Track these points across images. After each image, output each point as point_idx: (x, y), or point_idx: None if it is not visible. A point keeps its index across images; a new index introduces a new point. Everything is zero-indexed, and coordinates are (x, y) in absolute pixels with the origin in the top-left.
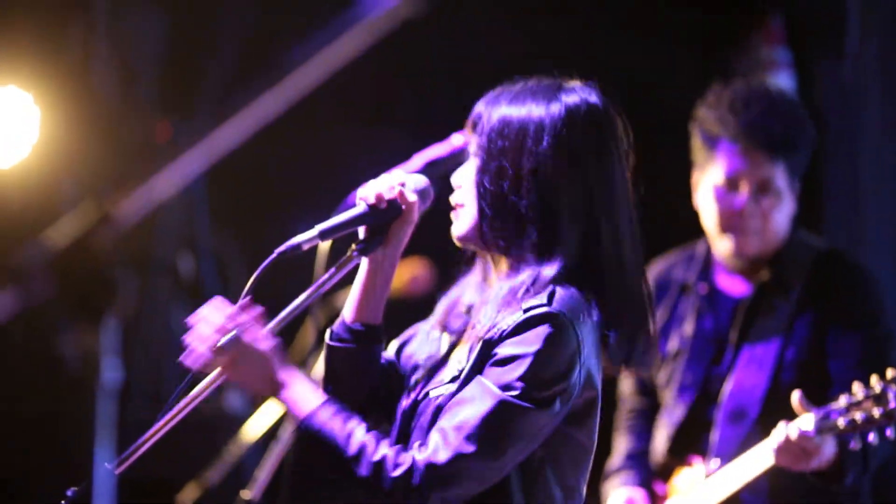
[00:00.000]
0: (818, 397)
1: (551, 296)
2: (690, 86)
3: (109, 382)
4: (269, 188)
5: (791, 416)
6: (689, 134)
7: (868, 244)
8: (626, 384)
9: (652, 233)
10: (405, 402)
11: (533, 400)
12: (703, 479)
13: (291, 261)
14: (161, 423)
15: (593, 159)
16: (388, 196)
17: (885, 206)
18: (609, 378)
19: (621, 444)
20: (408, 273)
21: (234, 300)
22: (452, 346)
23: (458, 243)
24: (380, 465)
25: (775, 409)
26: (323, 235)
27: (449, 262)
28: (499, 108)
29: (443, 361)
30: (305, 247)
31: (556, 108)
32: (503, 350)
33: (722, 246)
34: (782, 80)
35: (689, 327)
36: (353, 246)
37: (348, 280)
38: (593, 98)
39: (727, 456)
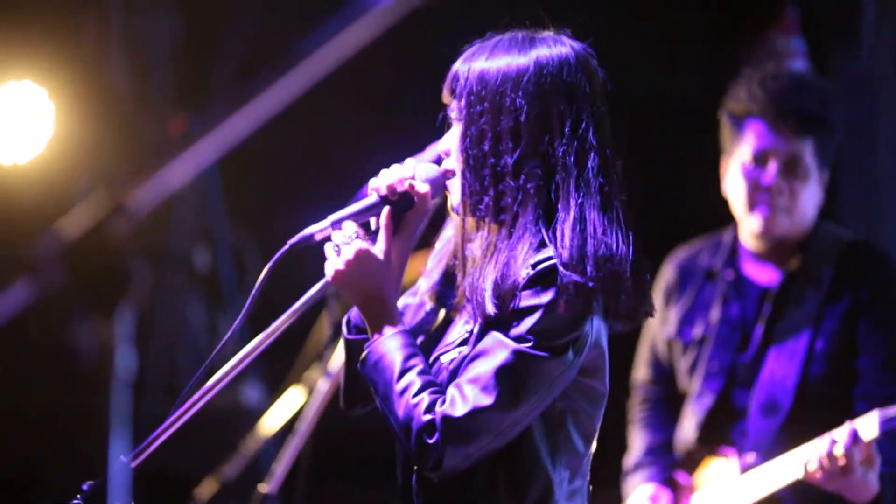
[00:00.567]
0: (845, 392)
1: (559, 253)
2: (706, 77)
3: (124, 372)
4: (284, 180)
5: (823, 407)
6: (705, 125)
7: (884, 235)
8: (641, 372)
9: (671, 224)
10: None
11: (546, 349)
12: (737, 474)
13: (306, 251)
14: (176, 415)
15: (570, 109)
16: (399, 187)
17: None
18: (619, 370)
19: (638, 439)
20: (422, 265)
21: (249, 292)
22: (448, 313)
23: (452, 212)
24: (410, 417)
25: (807, 401)
26: (335, 226)
27: None
28: (475, 70)
29: (444, 328)
30: (318, 237)
31: (529, 63)
32: (514, 303)
33: (750, 225)
34: (797, 70)
35: (715, 313)
36: (366, 236)
37: None
38: (566, 48)
39: (761, 449)
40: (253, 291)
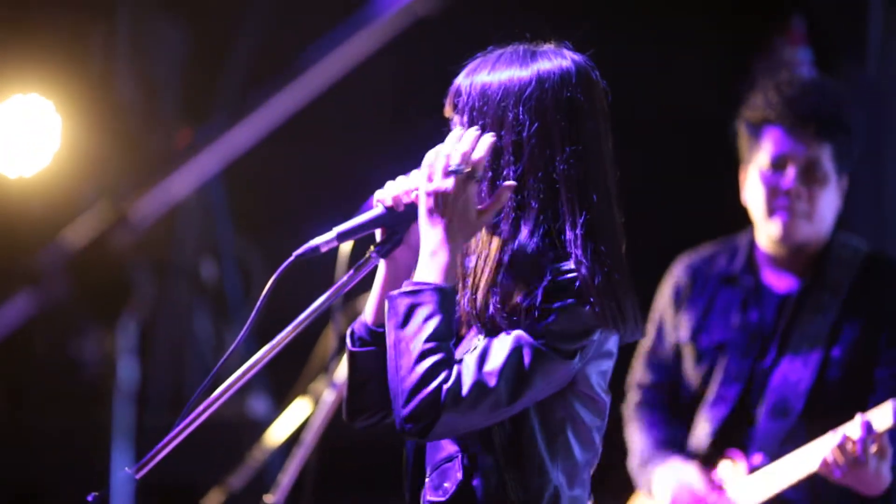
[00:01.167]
0: (860, 401)
1: (575, 266)
2: (713, 88)
3: (126, 384)
4: (290, 192)
5: (836, 415)
6: (713, 136)
7: (891, 245)
8: (641, 375)
9: (676, 229)
10: None
11: (556, 350)
12: (744, 474)
13: (310, 263)
14: (181, 426)
15: (572, 122)
16: (405, 198)
17: None
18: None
19: (641, 437)
20: None
21: (255, 304)
22: (457, 330)
23: None
24: (424, 381)
25: (820, 407)
26: (340, 237)
27: None
28: (477, 84)
29: (457, 343)
30: (324, 249)
31: (531, 77)
32: (533, 303)
33: (769, 230)
34: (814, 76)
35: (734, 320)
36: (372, 248)
37: (370, 283)
38: (567, 61)
39: (769, 451)
40: (258, 303)
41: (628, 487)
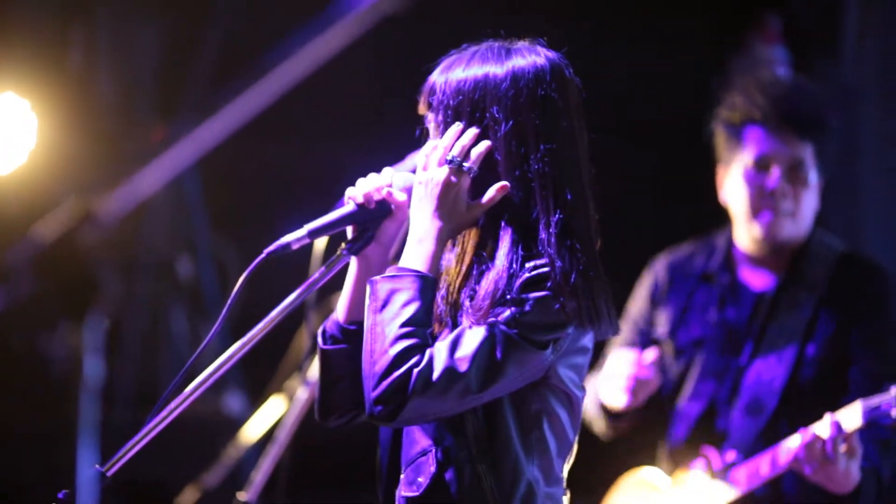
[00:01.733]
0: (834, 399)
1: (549, 262)
2: (689, 86)
3: (93, 381)
4: (267, 189)
5: (809, 413)
6: (689, 134)
7: (865, 244)
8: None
9: (649, 229)
10: None
11: (530, 340)
12: (719, 471)
13: (288, 260)
14: (153, 422)
15: (546, 119)
16: (376, 195)
17: (883, 206)
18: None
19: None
20: None
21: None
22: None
23: None
24: (396, 364)
25: (793, 404)
26: (312, 235)
27: None
28: (451, 82)
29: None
30: (295, 246)
31: (505, 74)
32: (508, 295)
33: (752, 231)
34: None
35: (711, 317)
36: (343, 245)
37: (343, 281)
38: (541, 58)
39: (743, 448)
40: (230, 299)
41: (605, 486)
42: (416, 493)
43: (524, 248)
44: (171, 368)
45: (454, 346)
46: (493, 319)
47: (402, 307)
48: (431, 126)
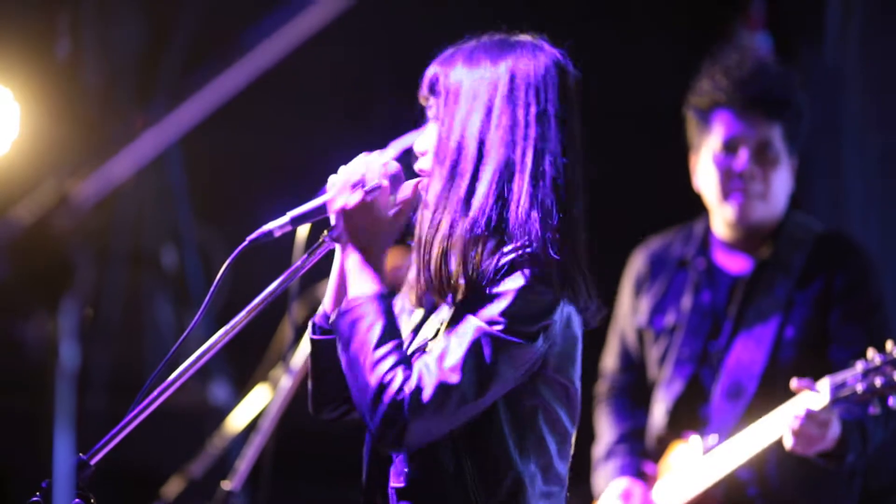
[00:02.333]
0: (816, 380)
1: (527, 243)
2: (672, 72)
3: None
4: (251, 179)
5: (789, 394)
6: (671, 120)
7: (849, 226)
8: (609, 361)
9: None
10: None
11: (517, 334)
12: (700, 455)
13: (273, 248)
14: (136, 410)
15: (546, 113)
16: (359, 182)
17: (867, 189)
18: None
19: (607, 427)
20: (390, 263)
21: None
22: (427, 314)
23: (425, 208)
24: (382, 388)
25: (773, 387)
26: (294, 222)
27: None
28: (454, 71)
29: (419, 329)
30: (277, 233)
31: (507, 67)
32: (488, 289)
33: (725, 213)
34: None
35: (686, 301)
36: (325, 232)
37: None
38: (543, 52)
39: (724, 431)
40: (212, 287)
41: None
42: (402, 485)
43: (506, 233)
44: (155, 358)
45: (441, 359)
46: (475, 320)
47: (367, 332)
48: (431, 113)
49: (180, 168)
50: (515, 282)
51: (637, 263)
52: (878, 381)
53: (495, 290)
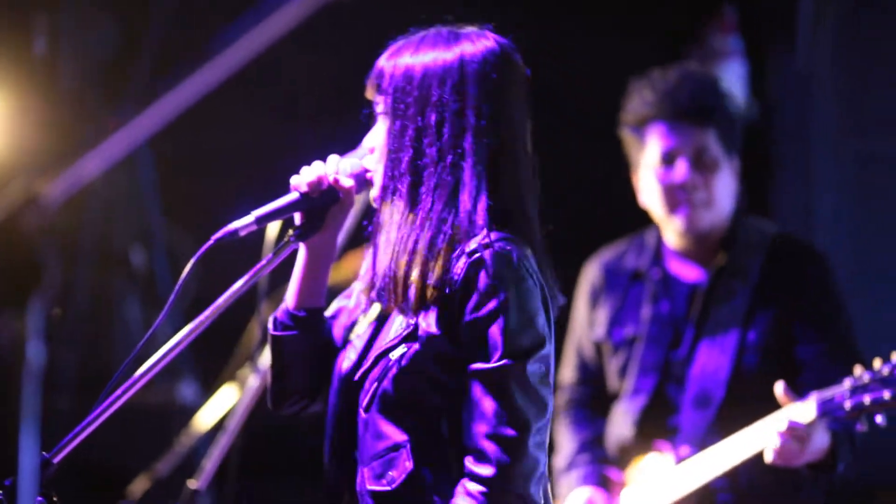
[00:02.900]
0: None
1: (488, 239)
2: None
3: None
4: (221, 179)
5: (756, 399)
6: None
7: (818, 231)
8: (567, 374)
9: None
10: (345, 367)
11: (527, 351)
12: (672, 466)
13: (241, 247)
14: (100, 409)
15: (494, 104)
16: (323, 183)
17: (837, 193)
18: None
19: (567, 438)
20: (356, 264)
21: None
22: (383, 308)
23: (374, 205)
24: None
25: (741, 392)
26: (259, 221)
27: None
28: (400, 66)
29: (381, 324)
30: (242, 233)
31: (454, 59)
32: (468, 320)
33: (673, 226)
34: (735, 69)
35: (645, 312)
36: (290, 232)
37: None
38: (490, 43)
39: (695, 441)
40: (177, 285)
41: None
42: (388, 488)
43: (461, 223)
44: (123, 357)
45: (489, 426)
46: (484, 374)
47: None
48: (380, 108)
49: (150, 168)
50: (495, 295)
51: (591, 274)
52: (866, 399)
53: (478, 314)
